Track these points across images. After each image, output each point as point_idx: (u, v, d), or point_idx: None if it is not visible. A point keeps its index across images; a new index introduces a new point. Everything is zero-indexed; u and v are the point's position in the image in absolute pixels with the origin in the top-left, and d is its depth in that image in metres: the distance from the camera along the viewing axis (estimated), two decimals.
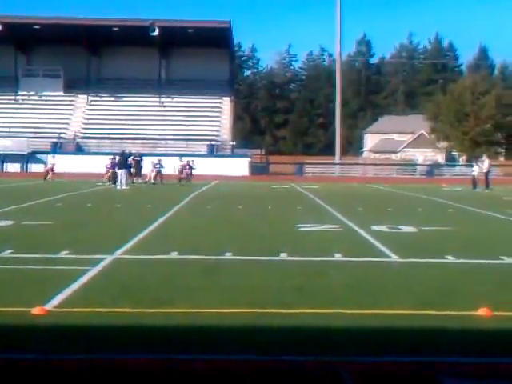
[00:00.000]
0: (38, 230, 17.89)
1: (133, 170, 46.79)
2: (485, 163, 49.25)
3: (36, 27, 73.24)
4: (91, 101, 79.00)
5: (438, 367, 6.67)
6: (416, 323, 8.34)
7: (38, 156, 68.01)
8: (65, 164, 61.20)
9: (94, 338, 7.62)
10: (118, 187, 40.62)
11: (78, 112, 77.78)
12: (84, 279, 10.85)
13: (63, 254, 13.41)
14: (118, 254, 13.60)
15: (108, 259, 12.82)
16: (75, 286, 10.31)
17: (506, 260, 13.57)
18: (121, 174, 41.76)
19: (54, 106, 77.26)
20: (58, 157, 60.41)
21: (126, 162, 43.29)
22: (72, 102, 78.85)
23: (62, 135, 73.42)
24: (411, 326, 8.21)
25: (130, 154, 46.91)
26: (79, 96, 79.25)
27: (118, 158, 43.69)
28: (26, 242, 15.48)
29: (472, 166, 52.75)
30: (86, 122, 76.44)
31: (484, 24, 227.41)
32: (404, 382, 6.27)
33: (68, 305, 9.07)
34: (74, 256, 13.16)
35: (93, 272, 11.50)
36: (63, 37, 75.23)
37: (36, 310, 8.57)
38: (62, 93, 79.06)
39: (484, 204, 30.60)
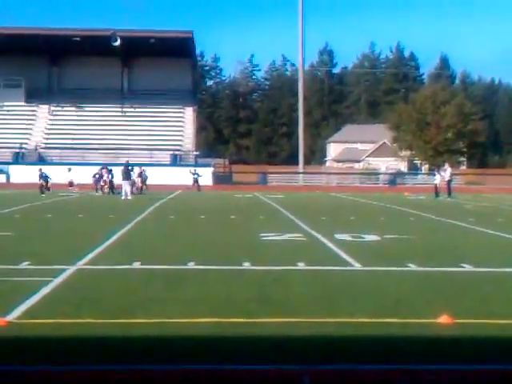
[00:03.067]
0: None
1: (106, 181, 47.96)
2: (447, 172, 49.61)
3: None
4: (53, 111, 78.55)
5: (399, 375, 6.70)
6: (377, 331, 8.38)
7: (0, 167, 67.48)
8: (26, 174, 60.71)
9: (56, 349, 7.55)
10: (123, 197, 41.10)
11: (40, 122, 77.28)
12: (45, 290, 10.76)
13: (24, 265, 13.29)
14: (80, 264, 13.51)
15: (70, 270, 12.73)
16: (36, 297, 10.22)
17: (467, 268, 13.68)
18: (125, 184, 42.54)
19: (15, 117, 76.71)
20: (19, 167, 60.07)
21: (129, 173, 43.75)
22: (34, 113, 78.35)
23: (24, 145, 72.87)
24: (373, 334, 8.25)
25: (129, 165, 46.87)
26: (41, 106, 78.78)
27: (122, 168, 44.26)
28: None
29: (434, 175, 53.16)
30: (47, 132, 75.97)
31: (445, 34, 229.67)
32: None
33: (29, 316, 8.99)
34: (35, 267, 13.05)
35: (54, 283, 11.40)
36: (24, 47, 74.77)
37: None
38: (23, 103, 78.56)
39: (446, 212, 30.84)
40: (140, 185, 49.14)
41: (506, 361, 7.29)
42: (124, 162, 47.11)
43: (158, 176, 59.89)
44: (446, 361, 7.24)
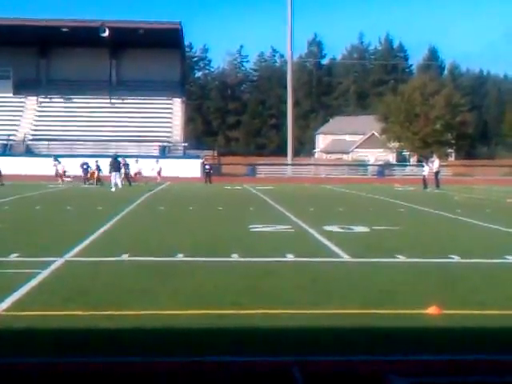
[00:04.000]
0: None
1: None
2: (435, 163, 49.79)
3: None
4: (41, 102, 78.29)
5: (387, 366, 6.72)
6: (366, 322, 8.39)
7: None
8: (14, 166, 60.51)
9: (44, 341, 7.54)
10: (113, 189, 41.29)
11: (28, 114, 77.01)
12: (34, 282, 10.73)
13: (13, 257, 13.26)
14: (69, 256, 13.49)
15: (58, 262, 12.71)
16: (25, 289, 10.19)
17: (456, 259, 13.72)
18: (114, 176, 43.10)
19: (3, 108, 76.31)
20: (7, 159, 59.93)
21: (119, 164, 44.10)
22: (21, 104, 78.06)
23: (12, 137, 72.60)
24: (362, 326, 8.26)
25: (118, 156, 47.12)
26: (29, 98, 78.51)
27: (110, 160, 44.82)
28: None
29: (423, 166, 53.29)
30: (35, 123, 75.69)
31: (433, 25, 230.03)
32: (355, 381, 6.30)
33: (17, 308, 8.96)
34: (23, 259, 13.02)
35: (43, 275, 11.38)
36: (12, 38, 74.38)
37: None
38: (11, 94, 78.22)
39: (434, 204, 30.92)
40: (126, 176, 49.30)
41: (495, 351, 7.31)
42: (112, 153, 47.46)
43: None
44: (435, 351, 7.26)
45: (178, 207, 27.69)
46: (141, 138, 72.79)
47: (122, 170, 46.49)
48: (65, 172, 52.22)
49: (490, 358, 7.08)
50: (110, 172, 43.89)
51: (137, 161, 54.33)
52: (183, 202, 30.43)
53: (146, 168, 54.23)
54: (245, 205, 29.36)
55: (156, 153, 70.22)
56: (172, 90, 79.30)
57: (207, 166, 58.12)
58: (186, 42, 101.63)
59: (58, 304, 9.19)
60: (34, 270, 11.71)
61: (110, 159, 45.32)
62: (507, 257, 13.93)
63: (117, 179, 43.12)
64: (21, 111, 77.40)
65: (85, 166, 50.95)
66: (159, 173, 55.40)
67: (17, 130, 74.22)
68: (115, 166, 43.73)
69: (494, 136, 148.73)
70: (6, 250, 14.00)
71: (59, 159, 54.45)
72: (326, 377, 6.40)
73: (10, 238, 16.82)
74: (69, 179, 51.15)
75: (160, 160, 58.93)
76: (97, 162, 49.53)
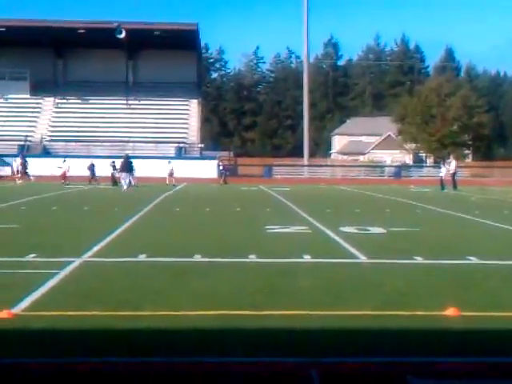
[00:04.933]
0: (4, 234, 17.72)
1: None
2: (452, 164, 49.59)
3: (1, 29, 72.54)
4: (58, 103, 78.58)
5: (405, 368, 6.69)
6: (384, 324, 8.37)
7: (5, 159, 67.47)
8: (31, 167, 60.65)
9: (61, 342, 7.55)
10: (124, 188, 41.46)
11: (45, 115, 77.31)
12: (52, 283, 10.77)
13: (30, 257, 13.30)
14: (86, 257, 13.52)
15: (76, 262, 12.74)
16: (43, 289, 10.23)
17: (473, 260, 13.66)
18: (125, 176, 43.12)
19: (20, 109, 76.71)
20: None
21: (131, 165, 44.03)
22: (38, 105, 78.38)
23: (29, 138, 72.89)
24: (379, 327, 8.23)
25: (130, 157, 47.24)
26: (46, 99, 78.81)
27: (121, 161, 44.80)
28: None
29: (439, 168, 53.11)
30: (52, 124, 75.99)
31: (450, 25, 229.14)
32: (372, 382, 6.28)
33: (35, 308, 8.99)
34: (41, 259, 13.06)
35: (60, 275, 11.41)
36: (29, 39, 74.76)
37: (3, 314, 8.48)
38: (28, 95, 78.55)
39: (451, 205, 30.80)
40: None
41: None
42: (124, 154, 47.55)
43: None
44: (452, 353, 7.23)
45: (195, 208, 27.70)
46: (157, 139, 72.92)
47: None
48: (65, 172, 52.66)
49: (508, 361, 7.04)
50: (121, 172, 43.97)
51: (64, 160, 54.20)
52: (200, 203, 30.45)
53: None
54: (261, 206, 29.34)
55: (172, 154, 70.30)
56: (188, 92, 79.40)
57: (221, 167, 57.75)
58: (202, 44, 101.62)
59: (75, 304, 9.21)
60: (52, 270, 11.74)
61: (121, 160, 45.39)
62: None
63: (129, 179, 43.15)
64: (38, 112, 77.71)
65: (91, 168, 51.44)
66: (171, 174, 53.59)
67: (34, 131, 74.51)
68: (126, 167, 43.72)
69: (511, 137, 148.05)
70: (23, 251, 14.05)
71: (66, 159, 54.67)
72: (344, 378, 6.38)
73: (27, 238, 16.87)
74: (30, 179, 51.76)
75: (173, 161, 58.24)
76: (113, 162, 49.45)
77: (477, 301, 9.79)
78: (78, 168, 53.45)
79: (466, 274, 12.17)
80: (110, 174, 49.00)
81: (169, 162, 54.83)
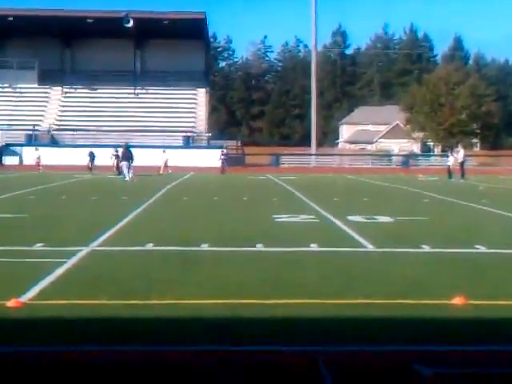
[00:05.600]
0: (12, 223, 17.76)
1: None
2: (460, 153, 49.49)
3: (10, 19, 72.50)
4: (66, 92, 78.61)
5: (413, 356, 6.69)
6: (392, 312, 8.37)
7: (13, 148, 67.67)
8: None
9: (69, 330, 7.57)
10: (126, 178, 41.19)
11: (53, 104, 77.35)
12: (59, 271, 10.79)
13: (38, 246, 13.33)
14: (94, 246, 13.55)
15: (84, 251, 12.76)
16: (50, 278, 10.25)
17: (481, 249, 13.64)
18: (125, 165, 42.57)
19: (28, 98, 76.82)
20: (32, 149, 60.24)
21: (130, 154, 43.76)
22: (46, 94, 78.42)
23: (37, 127, 72.95)
24: (387, 316, 8.23)
25: (129, 146, 47.07)
26: (54, 88, 78.83)
27: (122, 150, 44.61)
28: (0, 235, 15.37)
29: (447, 156, 53.01)
30: (60, 113, 76.05)
31: (458, 14, 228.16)
32: (380, 370, 6.28)
33: (43, 297, 9.02)
34: (49, 248, 13.09)
35: (68, 264, 11.43)
36: (37, 29, 74.75)
37: (11, 303, 8.51)
38: (36, 85, 78.59)
39: (459, 194, 30.75)
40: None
41: None
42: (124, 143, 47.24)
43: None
44: (460, 342, 7.22)
45: (202, 197, 27.72)
46: (165, 128, 72.90)
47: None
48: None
49: None
50: (121, 161, 43.78)
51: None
52: (207, 192, 30.47)
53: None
54: (269, 195, 29.34)
55: (180, 143, 70.31)
56: (196, 81, 79.32)
57: (223, 156, 56.30)
58: (210, 33, 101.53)
59: (83, 293, 9.22)
60: (60, 259, 11.76)
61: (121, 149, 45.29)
62: None
63: (128, 169, 42.94)
64: (46, 101, 77.77)
65: (91, 155, 51.73)
66: (165, 163, 52.68)
67: (42, 121, 74.58)
68: (127, 156, 43.47)
69: None
70: (31, 240, 14.08)
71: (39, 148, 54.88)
72: (352, 367, 6.38)
73: (35, 227, 16.92)
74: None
75: (181, 150, 57.44)
76: (117, 151, 49.27)
77: (485, 289, 9.78)
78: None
79: (473, 263, 12.15)
80: (114, 163, 49.13)
81: (163, 151, 54.04)
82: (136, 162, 44.10)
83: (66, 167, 53.30)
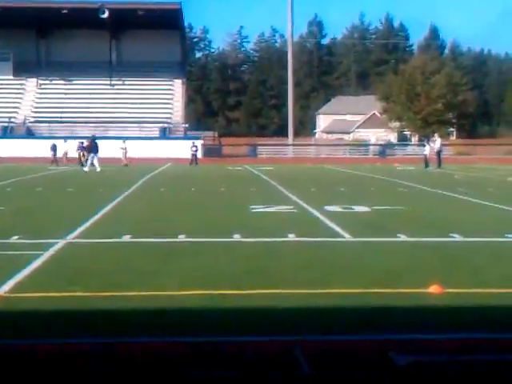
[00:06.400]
0: None
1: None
2: (436, 142, 49.71)
3: None
4: (41, 84, 78.11)
5: (389, 345, 6.72)
6: (368, 302, 8.39)
7: None
8: (14, 149, 60.52)
9: (46, 323, 7.54)
10: (86, 169, 42.03)
11: (28, 96, 76.87)
12: (36, 264, 10.74)
13: (14, 238, 13.26)
14: (70, 238, 13.50)
15: (60, 243, 12.71)
16: (27, 270, 10.20)
17: (457, 238, 13.71)
18: (91, 157, 43.71)
19: (3, 90, 76.20)
20: (8, 141, 59.91)
21: (96, 146, 44.31)
22: (22, 86, 77.91)
23: (12, 119, 72.47)
24: (363, 305, 8.26)
25: (95, 138, 47.48)
26: (29, 79, 78.33)
27: (88, 142, 45.89)
28: None
29: (424, 146, 53.22)
30: (36, 105, 75.57)
31: (434, 4, 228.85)
32: (356, 359, 6.31)
33: (20, 290, 8.97)
34: (25, 241, 13.02)
35: (45, 256, 11.38)
36: (12, 20, 74.01)
37: None
38: (11, 76, 77.97)
39: (436, 183, 30.89)
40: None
41: (496, 329, 7.31)
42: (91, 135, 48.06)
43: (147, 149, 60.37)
44: (436, 330, 7.26)
45: (180, 188, 27.68)
46: (141, 119, 72.67)
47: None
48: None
49: (491, 337, 7.08)
50: (89, 153, 44.77)
51: (65, 140, 54.35)
52: (184, 183, 30.43)
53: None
54: (246, 185, 29.35)
55: (156, 134, 70.16)
56: (172, 71, 79.06)
57: (194, 148, 54.95)
58: (186, 23, 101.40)
59: (59, 285, 9.19)
60: (36, 251, 11.71)
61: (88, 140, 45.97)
62: (509, 235, 13.92)
63: (94, 161, 43.81)
64: (21, 93, 77.26)
65: (53, 148, 52.02)
66: (125, 154, 51.73)
67: (17, 113, 74.10)
68: (92, 148, 44.13)
69: (496, 115, 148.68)
70: (7, 232, 14.01)
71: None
72: (328, 356, 6.41)
73: (11, 219, 16.84)
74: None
75: (157, 141, 56.79)
76: (82, 143, 49.81)
77: (461, 278, 9.84)
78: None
79: (450, 252, 12.22)
80: (84, 155, 49.41)
81: (123, 141, 53.21)
82: (113, 154, 44.36)
83: (43, 159, 52.92)
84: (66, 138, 56.59)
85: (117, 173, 39.88)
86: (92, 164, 43.25)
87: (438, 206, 20.97)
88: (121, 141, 53.25)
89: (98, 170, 41.62)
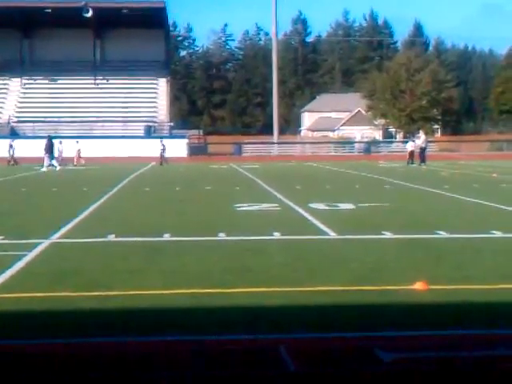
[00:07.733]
0: None
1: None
2: (421, 139, 49.85)
3: None
4: (25, 84, 77.82)
5: (374, 342, 6.73)
6: (353, 299, 8.40)
7: None
8: None
9: (32, 323, 7.51)
10: (43, 169, 42.67)
11: (12, 95, 76.58)
12: (20, 264, 10.69)
13: None
14: (55, 238, 13.45)
15: (44, 244, 12.66)
16: (11, 271, 10.15)
17: (442, 234, 13.74)
18: (46, 158, 44.72)
19: None
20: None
21: (52, 145, 44.93)
22: (5, 86, 77.61)
23: None
24: (348, 302, 8.27)
25: (52, 138, 47.94)
26: (12, 79, 78.04)
27: (46, 142, 46.11)
28: None
29: (406, 143, 53.39)
30: (20, 105, 75.29)
31: (418, 0, 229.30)
32: (341, 357, 6.32)
33: (4, 290, 8.93)
34: (8, 241, 12.97)
35: (29, 257, 11.34)
36: None
37: None
38: None
39: (420, 179, 30.97)
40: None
41: (481, 325, 7.34)
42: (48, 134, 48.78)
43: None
44: (421, 326, 7.28)
45: (164, 187, 27.65)
46: (126, 118, 72.52)
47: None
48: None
49: (476, 333, 7.10)
50: (46, 153, 45.03)
51: (77, 141, 54.16)
52: (169, 182, 30.39)
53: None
54: (231, 184, 29.33)
55: (141, 133, 70.02)
56: (157, 70, 78.93)
57: (162, 147, 52.88)
58: (170, 21, 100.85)
59: (45, 286, 9.16)
60: (20, 252, 11.66)
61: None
62: (493, 231, 13.96)
63: (51, 160, 44.48)
64: (5, 93, 76.95)
65: (11, 147, 52.27)
66: (79, 154, 51.72)
67: (1, 112, 73.82)
68: (49, 148, 44.94)
69: (480, 111, 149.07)
70: None
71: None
72: (313, 354, 6.41)
73: None
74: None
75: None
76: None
77: (446, 274, 9.86)
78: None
79: (435, 248, 12.24)
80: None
81: (76, 141, 53.03)
82: (96, 153, 44.58)
83: (26, 159, 52.69)
84: (77, 138, 55.78)
85: (102, 172, 39.75)
86: (51, 164, 43.69)
87: (422, 203, 21.01)
88: (74, 141, 53.49)
89: (44, 169, 42.72)
